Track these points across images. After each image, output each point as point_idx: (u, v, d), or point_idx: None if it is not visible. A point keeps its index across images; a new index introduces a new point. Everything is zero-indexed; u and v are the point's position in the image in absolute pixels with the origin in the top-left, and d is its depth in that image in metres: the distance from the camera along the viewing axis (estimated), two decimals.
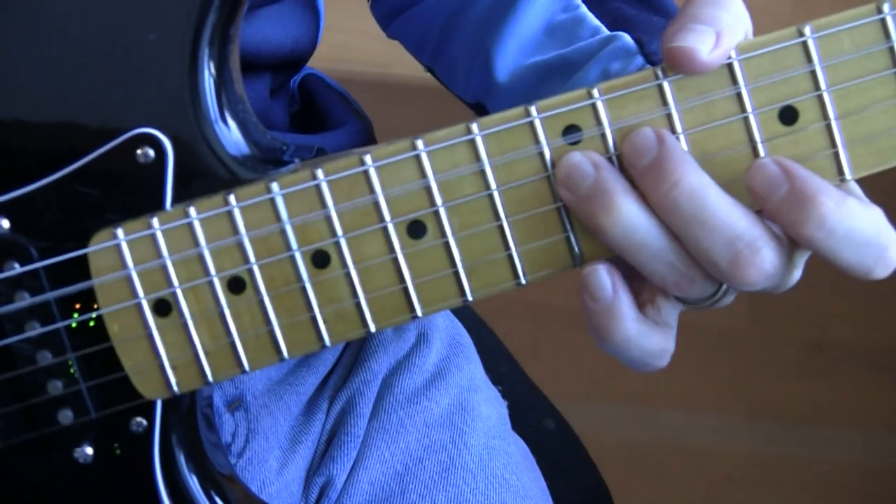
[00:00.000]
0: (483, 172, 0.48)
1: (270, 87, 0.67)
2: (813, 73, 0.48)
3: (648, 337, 0.48)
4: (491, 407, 0.69)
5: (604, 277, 0.47)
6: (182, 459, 0.52)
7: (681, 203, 0.46)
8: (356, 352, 0.68)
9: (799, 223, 0.45)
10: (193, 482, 0.52)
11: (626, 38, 0.62)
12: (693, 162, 0.47)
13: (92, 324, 0.50)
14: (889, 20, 0.47)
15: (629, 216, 0.46)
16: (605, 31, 0.64)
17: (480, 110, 0.71)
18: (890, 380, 1.52)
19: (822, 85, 0.48)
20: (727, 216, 0.46)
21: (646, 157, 0.47)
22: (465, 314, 0.80)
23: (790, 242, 0.47)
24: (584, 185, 0.47)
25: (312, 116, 0.71)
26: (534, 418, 0.89)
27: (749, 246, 0.45)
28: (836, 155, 0.48)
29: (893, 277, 0.49)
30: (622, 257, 0.48)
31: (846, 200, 0.45)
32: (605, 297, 0.47)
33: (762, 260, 0.46)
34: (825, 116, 0.48)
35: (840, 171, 0.48)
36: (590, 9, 0.65)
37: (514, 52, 0.66)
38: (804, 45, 0.47)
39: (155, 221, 0.49)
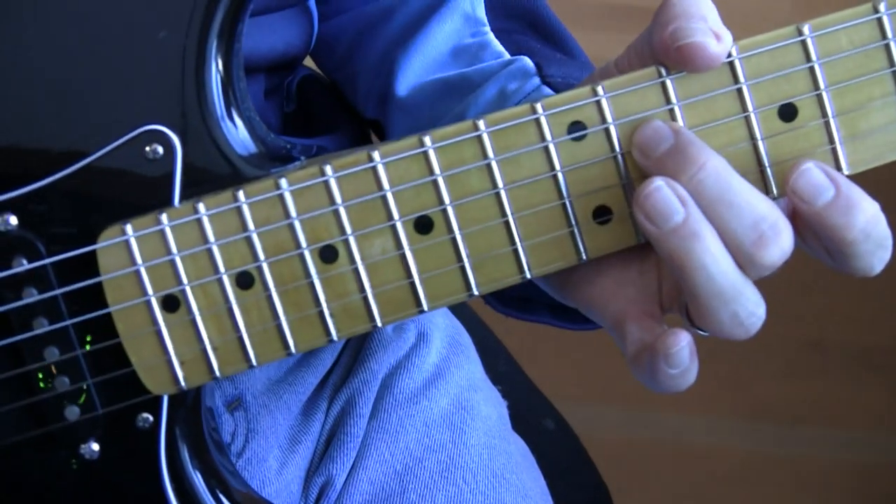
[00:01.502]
0: (489, 168, 0.49)
1: (265, 88, 0.67)
2: (812, 71, 0.49)
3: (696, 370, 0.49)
4: (491, 406, 0.70)
5: (684, 353, 0.48)
6: (186, 455, 0.52)
7: (708, 185, 0.47)
8: (356, 351, 0.68)
9: (845, 226, 0.47)
10: (198, 478, 0.52)
11: (526, 60, 0.65)
12: (713, 150, 0.48)
13: (100, 320, 0.50)
14: (885, 19, 0.48)
15: (719, 266, 0.47)
16: (508, 56, 0.66)
17: (377, 128, 0.72)
18: (888, 380, 1.53)
19: (821, 83, 0.49)
20: (749, 198, 0.47)
21: (662, 145, 0.48)
22: (465, 314, 0.80)
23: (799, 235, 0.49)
24: (671, 221, 0.47)
25: (307, 118, 0.72)
26: (534, 418, 0.90)
27: (772, 227, 0.47)
28: (834, 151, 0.49)
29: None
30: (687, 290, 0.48)
31: (876, 205, 0.48)
32: (683, 365, 0.48)
33: (783, 240, 0.47)
34: (824, 113, 0.49)
35: (838, 167, 0.49)
36: (497, 37, 0.67)
37: (418, 68, 0.67)
38: (803, 43, 0.48)
39: (164, 217, 0.49)
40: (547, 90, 0.62)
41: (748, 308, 0.48)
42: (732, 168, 0.48)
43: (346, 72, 0.72)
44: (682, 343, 0.48)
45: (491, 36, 0.67)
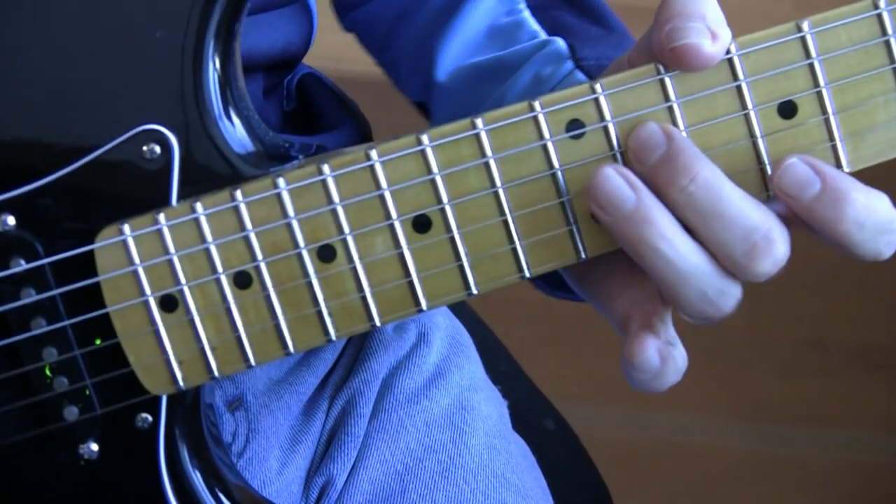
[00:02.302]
0: (487, 167, 0.49)
1: (263, 87, 0.67)
2: (811, 68, 0.48)
3: (679, 370, 0.49)
4: (491, 406, 0.69)
5: (653, 359, 0.48)
6: (185, 455, 0.52)
7: (698, 197, 0.47)
8: (356, 351, 0.68)
9: (835, 220, 0.47)
10: (197, 477, 0.52)
11: (560, 42, 0.64)
12: (705, 157, 0.48)
13: (98, 321, 0.50)
14: (885, 15, 0.48)
15: (675, 249, 0.47)
16: (543, 36, 0.65)
17: (423, 109, 0.72)
18: (887, 380, 1.53)
19: (821, 79, 0.49)
20: (742, 209, 0.47)
21: (655, 153, 0.48)
22: (465, 314, 0.80)
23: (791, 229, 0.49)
24: (623, 209, 0.47)
25: (308, 117, 0.72)
26: (534, 418, 0.89)
27: (765, 237, 0.47)
28: (835, 148, 0.49)
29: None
30: (651, 277, 0.48)
31: (870, 192, 0.47)
32: (654, 370, 0.48)
33: (776, 250, 0.47)
34: (824, 110, 0.49)
35: (838, 164, 0.49)
36: (533, 15, 0.66)
37: (455, 52, 0.67)
38: (802, 40, 0.48)
39: (161, 217, 0.49)
40: (580, 75, 0.62)
41: (715, 285, 0.47)
42: (726, 176, 0.47)
43: (387, 55, 0.72)
44: (647, 351, 0.48)
45: (526, 14, 0.66)
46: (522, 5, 0.67)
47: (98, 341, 0.50)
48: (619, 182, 0.47)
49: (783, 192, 0.48)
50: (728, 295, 0.48)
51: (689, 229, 0.48)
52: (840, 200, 0.47)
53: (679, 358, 0.49)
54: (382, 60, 0.74)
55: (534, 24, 0.66)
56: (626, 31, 0.68)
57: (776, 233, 0.47)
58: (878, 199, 0.48)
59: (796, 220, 0.48)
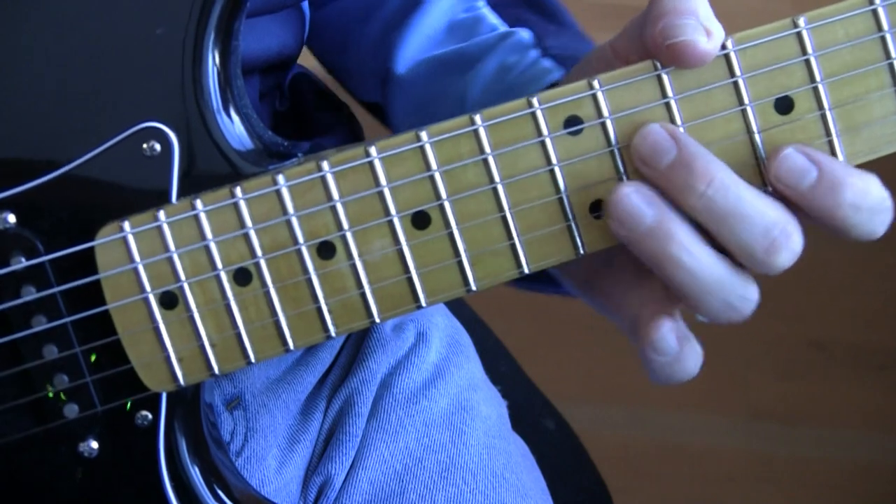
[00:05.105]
0: (486, 163, 0.49)
1: (259, 89, 0.67)
2: (808, 63, 0.49)
3: (698, 359, 0.49)
4: (490, 406, 0.69)
5: (669, 339, 0.48)
6: (185, 452, 0.52)
7: (717, 200, 0.47)
8: (354, 351, 0.68)
9: (834, 206, 0.47)
10: (195, 473, 0.52)
11: (524, 32, 0.64)
12: (716, 158, 0.48)
13: (98, 318, 0.50)
14: (881, 11, 0.48)
15: (698, 262, 0.48)
16: (504, 28, 0.66)
17: (376, 111, 0.72)
18: (890, 380, 1.53)
19: (817, 75, 0.49)
20: (758, 207, 0.48)
21: (666, 157, 0.48)
22: (465, 313, 0.80)
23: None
24: (643, 226, 0.48)
25: (299, 119, 0.72)
26: (534, 418, 0.90)
27: (783, 232, 0.48)
28: (831, 143, 0.49)
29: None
30: (673, 288, 0.48)
31: (864, 176, 0.48)
32: (673, 351, 0.48)
33: (794, 242, 0.48)
34: (820, 106, 0.49)
35: None
36: (492, 11, 0.67)
37: (415, 46, 0.67)
38: (799, 35, 0.48)
39: (161, 214, 0.49)
40: (547, 62, 0.62)
41: (737, 293, 0.48)
42: (738, 176, 0.48)
43: (340, 56, 0.73)
44: (663, 328, 0.48)
45: (486, 10, 0.67)
46: (481, 3, 0.68)
47: (98, 338, 0.50)
48: (637, 199, 0.48)
49: (780, 182, 0.48)
50: (749, 300, 0.49)
51: (704, 231, 0.48)
52: (837, 187, 0.47)
53: (697, 348, 0.49)
54: (335, 63, 0.74)
55: (493, 19, 0.66)
56: (583, 32, 0.68)
57: (791, 226, 0.48)
58: (872, 181, 0.48)
59: (795, 209, 0.49)
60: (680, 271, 0.48)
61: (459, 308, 0.78)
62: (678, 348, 0.48)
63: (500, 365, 0.89)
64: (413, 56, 0.67)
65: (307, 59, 0.73)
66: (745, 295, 0.48)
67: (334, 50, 0.73)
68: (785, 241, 0.47)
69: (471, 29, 0.66)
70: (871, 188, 0.48)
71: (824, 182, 0.48)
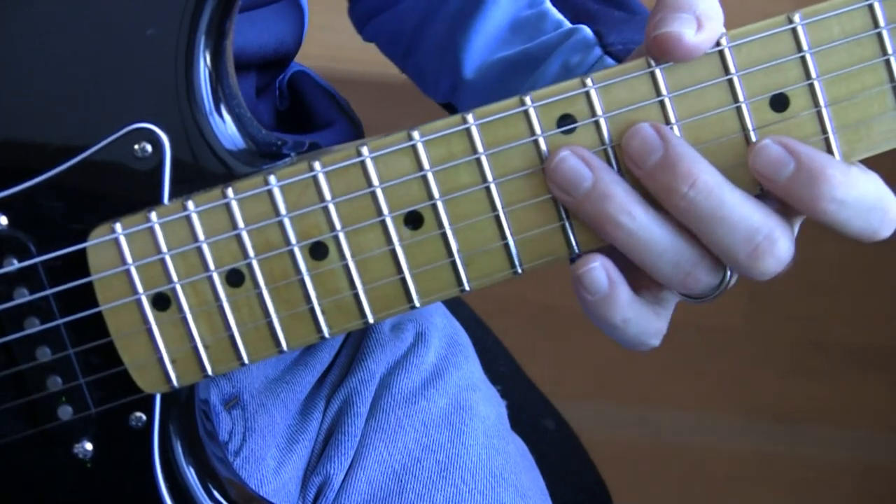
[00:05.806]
0: (479, 162, 0.49)
1: (256, 86, 0.67)
2: (803, 60, 0.48)
3: (646, 319, 0.49)
4: (489, 406, 0.69)
5: (599, 275, 0.48)
6: (180, 453, 0.52)
7: (699, 202, 0.47)
8: (353, 351, 0.68)
9: (813, 199, 0.47)
10: (191, 474, 0.52)
11: (586, 30, 0.64)
12: (703, 159, 0.48)
13: (91, 319, 0.50)
14: (877, 6, 0.48)
15: (636, 221, 0.47)
16: (568, 25, 0.65)
17: (451, 110, 0.72)
18: (889, 380, 1.52)
19: (813, 72, 0.48)
20: (742, 211, 0.47)
21: (652, 157, 0.48)
22: (464, 313, 0.80)
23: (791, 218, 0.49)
24: (581, 188, 0.48)
25: (300, 115, 0.72)
26: (533, 418, 0.89)
27: (767, 238, 0.47)
28: (827, 140, 0.49)
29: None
30: (624, 254, 0.48)
31: (850, 170, 0.47)
32: (602, 290, 0.48)
33: (779, 249, 0.47)
34: (816, 103, 0.49)
35: None
36: (554, 4, 0.66)
37: (480, 48, 0.67)
38: (794, 31, 0.48)
39: (153, 215, 0.49)
40: (609, 60, 0.62)
41: (688, 257, 0.48)
42: (724, 178, 0.47)
43: (413, 60, 0.73)
44: (592, 263, 0.48)
45: (548, 4, 0.66)
46: None
47: (91, 340, 0.50)
48: (575, 162, 0.48)
49: (759, 174, 0.48)
50: (703, 267, 0.48)
51: (682, 236, 0.48)
52: (815, 178, 0.47)
53: (658, 320, 0.49)
54: (407, 67, 0.74)
55: (557, 14, 0.66)
56: (648, 14, 0.67)
57: (778, 232, 0.47)
58: (862, 177, 0.47)
59: (790, 210, 0.48)
60: (620, 231, 0.47)
61: (458, 308, 0.78)
62: (607, 288, 0.48)
63: (499, 365, 0.89)
64: (479, 58, 0.67)
65: (307, 59, 0.73)
66: (697, 261, 0.48)
67: (401, 54, 0.73)
68: (769, 247, 0.47)
69: (535, 26, 0.66)
70: (857, 183, 0.47)
71: (802, 174, 0.47)
